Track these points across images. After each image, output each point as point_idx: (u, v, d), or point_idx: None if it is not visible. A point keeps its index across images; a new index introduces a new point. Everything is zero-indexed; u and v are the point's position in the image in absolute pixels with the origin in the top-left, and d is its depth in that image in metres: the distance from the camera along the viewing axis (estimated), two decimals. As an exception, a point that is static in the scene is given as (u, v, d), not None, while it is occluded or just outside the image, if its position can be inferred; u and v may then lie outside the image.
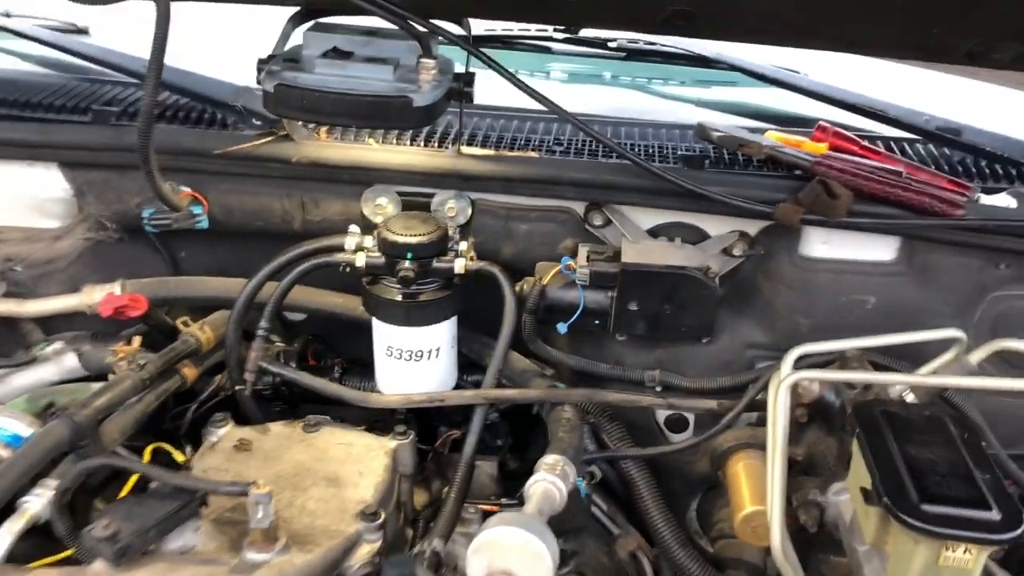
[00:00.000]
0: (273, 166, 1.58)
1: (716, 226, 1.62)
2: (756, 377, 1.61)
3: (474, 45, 1.43)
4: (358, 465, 1.44)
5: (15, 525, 1.28)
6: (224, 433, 1.51)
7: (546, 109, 1.46)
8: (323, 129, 1.60)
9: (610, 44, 1.81)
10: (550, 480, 1.25)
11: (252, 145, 1.54)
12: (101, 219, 1.71)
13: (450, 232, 1.54)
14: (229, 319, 1.59)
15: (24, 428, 1.48)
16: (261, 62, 1.38)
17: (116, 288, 1.69)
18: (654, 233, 1.63)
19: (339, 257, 1.53)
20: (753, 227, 1.61)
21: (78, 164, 1.64)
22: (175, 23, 1.80)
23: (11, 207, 1.72)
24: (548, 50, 1.82)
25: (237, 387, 1.60)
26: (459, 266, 1.52)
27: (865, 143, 1.61)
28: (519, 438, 1.81)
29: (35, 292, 1.74)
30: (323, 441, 1.50)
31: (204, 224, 1.66)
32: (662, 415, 1.74)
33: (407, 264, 1.48)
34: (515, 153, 1.59)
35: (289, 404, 1.75)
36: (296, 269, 1.54)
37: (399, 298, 1.51)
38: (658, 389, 1.66)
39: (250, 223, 1.67)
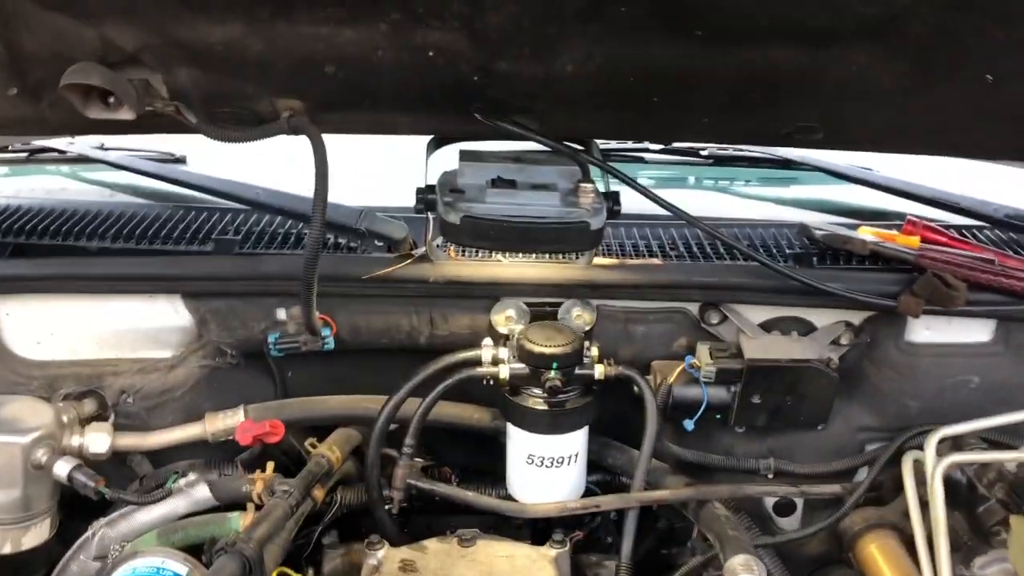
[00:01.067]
0: (407, 286, 1.62)
1: (822, 318, 1.72)
2: (872, 459, 1.71)
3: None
4: (528, 577, 1.46)
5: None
6: (383, 555, 1.51)
7: (645, 214, 1.54)
8: (452, 248, 1.65)
9: (701, 152, 1.94)
10: (754, 582, 1.30)
11: (396, 268, 1.59)
12: (221, 346, 1.71)
13: (578, 339, 1.61)
14: (372, 437, 1.60)
15: (181, 567, 1.47)
16: (421, 192, 1.45)
17: (239, 414, 1.69)
18: (765, 327, 1.72)
19: (482, 371, 1.58)
20: (857, 317, 1.72)
21: (204, 294, 1.66)
22: (271, 149, 1.85)
23: (125, 340, 1.71)
24: (642, 160, 1.93)
25: (386, 506, 1.61)
26: (599, 372, 1.58)
27: (952, 233, 1.74)
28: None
29: (147, 423, 1.73)
30: (483, 555, 1.51)
31: (331, 345, 1.68)
32: (770, 501, 1.81)
33: (553, 374, 1.53)
34: (640, 261, 1.67)
35: (405, 518, 1.76)
36: (440, 385, 1.58)
37: (544, 407, 1.56)
38: (769, 476, 1.74)
39: (375, 341, 1.70)
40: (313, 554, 1.71)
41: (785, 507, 1.84)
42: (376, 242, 1.69)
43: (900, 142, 1.50)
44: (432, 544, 1.54)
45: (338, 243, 1.71)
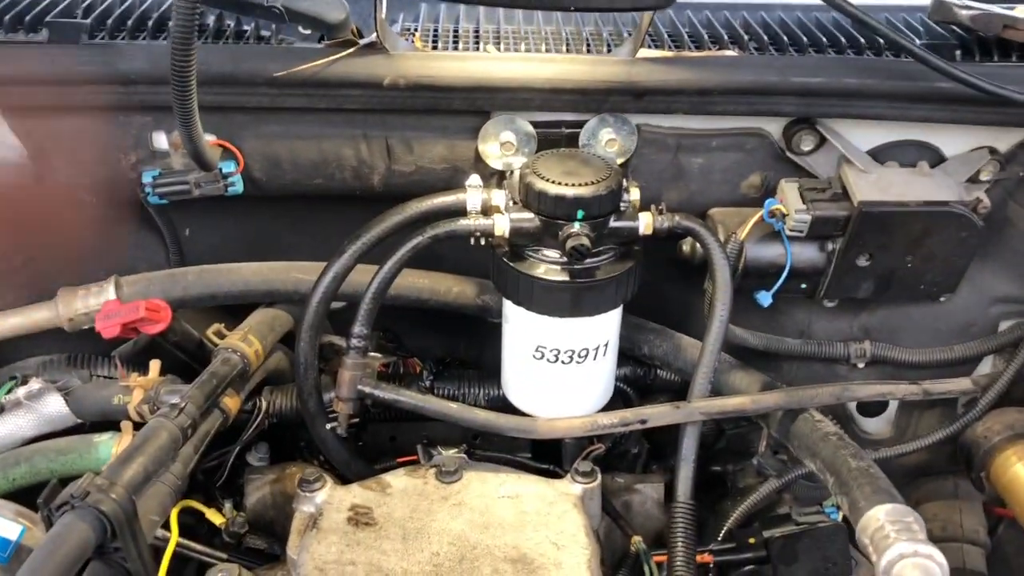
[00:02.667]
0: (351, 94, 1.06)
1: (954, 142, 1.20)
2: (1013, 341, 1.23)
3: None
4: (545, 531, 0.97)
5: None
6: (324, 500, 1.01)
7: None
8: (418, 35, 1.08)
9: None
10: (924, 554, 0.81)
11: (329, 61, 1.01)
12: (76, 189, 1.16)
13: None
14: (304, 321, 1.08)
15: (9, 525, 0.97)
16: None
17: (109, 289, 1.16)
18: (875, 156, 1.19)
19: (466, 224, 1.04)
20: (1005, 141, 1.19)
21: (35, 109, 1.08)
22: None
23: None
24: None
25: (329, 426, 1.10)
26: (645, 224, 1.05)
27: None
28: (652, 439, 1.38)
29: (-25, 305, 1.19)
30: (475, 496, 1.02)
31: (238, 188, 1.14)
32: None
33: (576, 228, 1.00)
34: (706, 53, 1.11)
35: (359, 428, 1.26)
36: (405, 246, 1.04)
37: (565, 277, 1.03)
38: (860, 366, 1.28)
39: (306, 181, 1.15)
40: (234, 479, 1.22)
41: (874, 405, 1.37)
42: (301, 28, 1.10)
43: None
44: (398, 480, 1.04)
45: (242, 30, 1.13)
